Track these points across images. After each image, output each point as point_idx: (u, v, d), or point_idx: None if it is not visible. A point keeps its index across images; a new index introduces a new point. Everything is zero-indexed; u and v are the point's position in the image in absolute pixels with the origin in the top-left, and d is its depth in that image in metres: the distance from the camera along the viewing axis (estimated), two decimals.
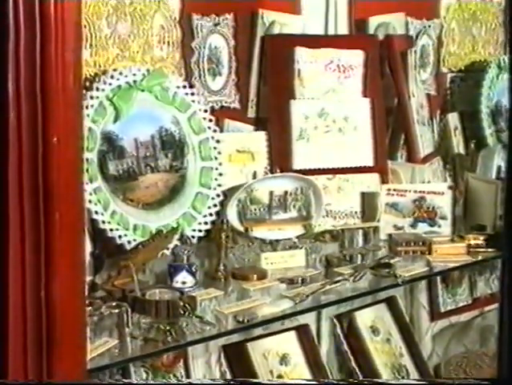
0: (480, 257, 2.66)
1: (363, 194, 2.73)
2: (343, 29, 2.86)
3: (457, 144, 3.19)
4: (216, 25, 2.55)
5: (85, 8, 2.14)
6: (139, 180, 2.29)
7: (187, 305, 1.99)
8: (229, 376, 2.57)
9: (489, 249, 2.65)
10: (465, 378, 3.03)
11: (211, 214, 2.42)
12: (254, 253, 2.47)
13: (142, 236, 2.24)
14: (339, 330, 2.90)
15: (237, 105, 2.63)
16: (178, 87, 2.38)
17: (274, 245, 2.51)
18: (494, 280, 3.36)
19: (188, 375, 2.47)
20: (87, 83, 2.19)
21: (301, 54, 2.67)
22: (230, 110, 2.61)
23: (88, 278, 2.04)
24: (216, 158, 2.45)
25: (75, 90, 1.58)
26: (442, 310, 3.27)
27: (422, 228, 2.74)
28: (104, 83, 2.21)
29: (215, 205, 2.43)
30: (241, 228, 2.47)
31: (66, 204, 1.58)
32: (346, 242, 2.66)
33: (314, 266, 2.49)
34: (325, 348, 2.90)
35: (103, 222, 2.16)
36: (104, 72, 2.24)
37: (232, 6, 2.57)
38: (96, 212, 2.15)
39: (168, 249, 2.29)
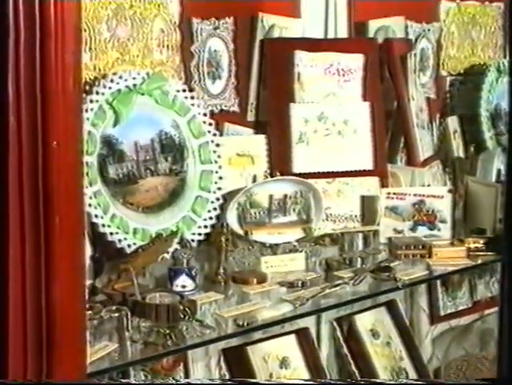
0: (480, 261, 2.66)
1: (362, 197, 2.73)
2: (343, 32, 2.86)
3: (457, 148, 3.18)
4: (216, 28, 2.55)
5: (85, 12, 2.14)
6: (139, 183, 2.29)
7: (187, 309, 1.99)
8: None
9: (489, 253, 2.65)
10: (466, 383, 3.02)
11: (211, 218, 2.42)
12: (254, 257, 2.46)
13: (142, 239, 2.24)
14: (339, 334, 2.91)
15: (236, 109, 2.63)
16: (178, 91, 2.38)
17: (273, 248, 2.50)
18: (494, 283, 3.36)
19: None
20: (87, 87, 2.19)
21: (301, 57, 2.67)
22: (230, 113, 2.61)
23: (88, 282, 2.03)
24: (216, 161, 2.45)
25: (74, 93, 1.58)
26: (442, 313, 3.27)
27: (422, 231, 2.74)
28: (104, 86, 2.21)
29: (215, 209, 2.43)
30: (241, 232, 2.47)
31: (66, 208, 1.58)
32: (346, 246, 2.65)
33: (314, 270, 2.49)
34: (325, 351, 2.90)
35: (103, 226, 2.16)
36: (104, 76, 2.24)
37: (232, 9, 2.57)
38: (96, 216, 2.14)
39: (168, 252, 2.29)
